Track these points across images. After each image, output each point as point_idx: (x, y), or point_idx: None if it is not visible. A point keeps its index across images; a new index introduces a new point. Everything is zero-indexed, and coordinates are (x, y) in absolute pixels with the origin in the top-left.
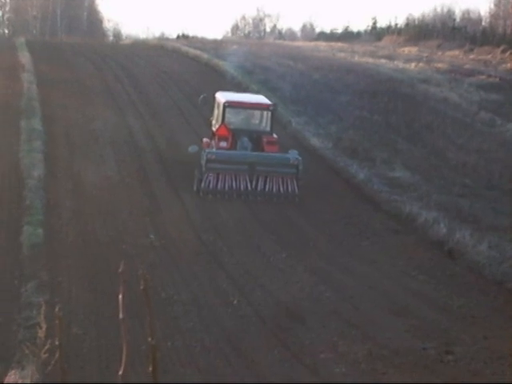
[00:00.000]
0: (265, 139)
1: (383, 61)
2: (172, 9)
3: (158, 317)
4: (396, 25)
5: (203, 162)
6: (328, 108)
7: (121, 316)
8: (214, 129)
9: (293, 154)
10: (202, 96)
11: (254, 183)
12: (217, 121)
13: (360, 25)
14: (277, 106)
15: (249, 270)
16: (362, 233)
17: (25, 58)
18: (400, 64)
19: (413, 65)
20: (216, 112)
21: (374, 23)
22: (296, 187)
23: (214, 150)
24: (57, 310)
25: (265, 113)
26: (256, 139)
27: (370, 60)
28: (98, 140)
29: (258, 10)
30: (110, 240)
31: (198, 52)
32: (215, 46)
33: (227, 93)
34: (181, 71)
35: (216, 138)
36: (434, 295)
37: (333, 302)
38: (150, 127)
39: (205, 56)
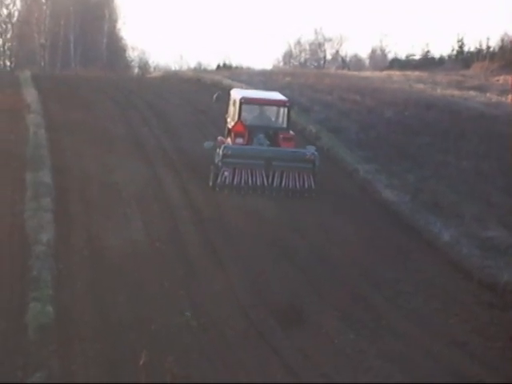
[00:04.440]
0: (281, 135)
1: (472, 93)
2: (211, 33)
3: None
4: (488, 48)
5: (220, 157)
6: (404, 153)
7: None
8: (229, 126)
9: (309, 149)
10: (216, 94)
11: (270, 178)
12: (232, 118)
13: (443, 49)
14: (293, 102)
15: (308, 355)
16: (449, 308)
17: (31, 95)
18: (494, 97)
19: (510, 97)
20: (232, 109)
21: (461, 47)
22: (312, 182)
23: (230, 145)
24: None
25: (281, 109)
26: (272, 136)
27: (456, 92)
28: (120, 196)
29: (316, 33)
30: (136, 319)
31: (242, 86)
32: (264, 79)
33: (243, 90)
34: (222, 110)
35: (232, 134)
36: None
37: None
38: (184, 180)
39: None
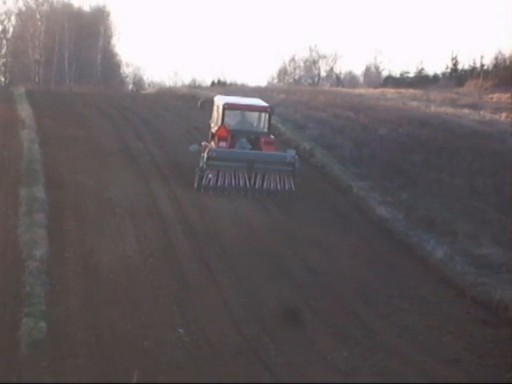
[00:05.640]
0: (262, 139)
1: (466, 111)
2: (206, 50)
3: None
4: (482, 66)
5: (204, 160)
6: (398, 170)
7: None
8: (213, 131)
9: (290, 153)
10: (200, 101)
11: (252, 180)
12: (216, 123)
13: (437, 66)
14: (273, 108)
15: (301, 371)
16: (442, 325)
17: (25, 111)
18: (487, 115)
19: (503, 115)
20: (215, 115)
21: (455, 64)
22: (292, 184)
23: (214, 147)
24: None
25: (262, 114)
26: (254, 140)
27: (450, 110)
28: (114, 211)
29: (310, 51)
30: (130, 335)
31: None
32: (258, 95)
33: (225, 96)
34: None
35: (216, 138)
36: None
37: None
38: (178, 195)
39: None
